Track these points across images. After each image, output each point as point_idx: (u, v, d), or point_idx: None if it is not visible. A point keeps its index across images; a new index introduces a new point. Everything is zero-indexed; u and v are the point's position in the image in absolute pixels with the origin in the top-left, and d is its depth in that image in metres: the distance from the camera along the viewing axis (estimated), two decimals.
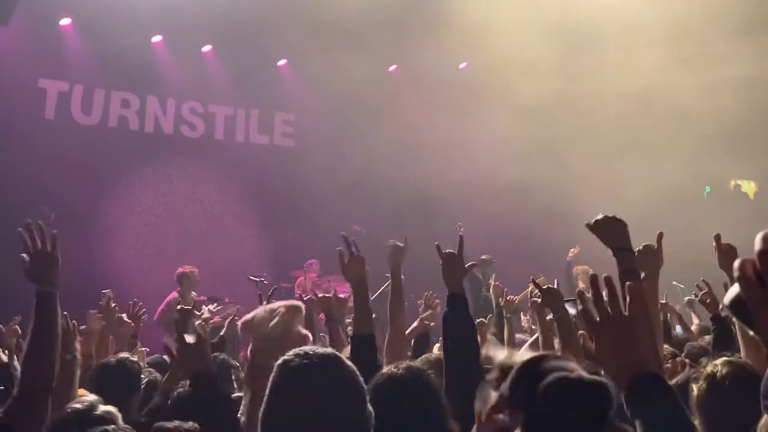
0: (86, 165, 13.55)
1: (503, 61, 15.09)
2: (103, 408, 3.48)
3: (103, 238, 13.69)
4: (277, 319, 3.82)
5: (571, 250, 13.86)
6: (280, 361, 2.48)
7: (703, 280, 6.05)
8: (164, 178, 14.84)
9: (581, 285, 12.79)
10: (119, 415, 3.48)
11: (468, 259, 4.44)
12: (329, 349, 2.55)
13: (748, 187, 18.37)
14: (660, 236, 4.16)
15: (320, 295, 6.09)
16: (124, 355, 5.34)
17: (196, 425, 3.51)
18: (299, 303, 4.03)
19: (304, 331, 3.89)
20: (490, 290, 12.90)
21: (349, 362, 2.50)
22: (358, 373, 2.48)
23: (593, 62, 14.69)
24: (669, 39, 14.62)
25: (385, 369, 3.39)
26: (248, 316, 3.99)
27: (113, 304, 6.24)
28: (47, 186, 12.77)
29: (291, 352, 2.49)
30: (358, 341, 4.24)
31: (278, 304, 3.97)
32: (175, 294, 11.82)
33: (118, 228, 14.00)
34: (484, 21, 14.32)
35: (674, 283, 12.10)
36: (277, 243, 13.90)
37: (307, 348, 2.52)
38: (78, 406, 3.48)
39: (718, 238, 4.58)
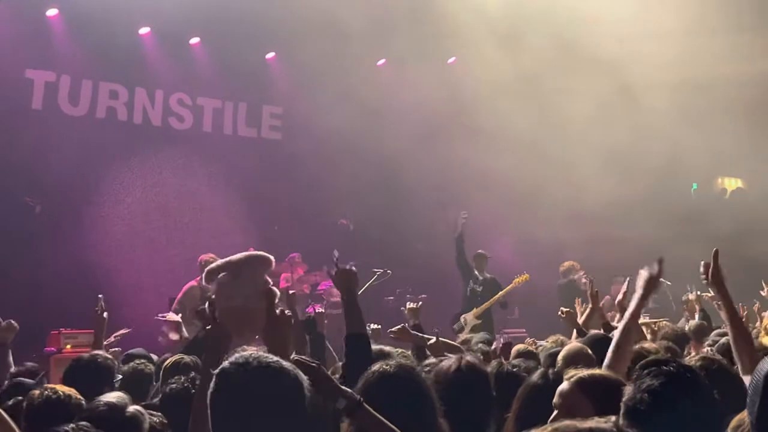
0: (74, 156, 13.45)
1: (492, 55, 15.10)
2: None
3: (92, 230, 13.63)
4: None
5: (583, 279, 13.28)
6: (218, 370, 2.48)
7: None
8: (153, 170, 14.76)
9: (584, 280, 12.68)
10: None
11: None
12: (270, 356, 2.53)
13: (736, 184, 18.50)
14: (660, 262, 4.32)
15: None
16: (97, 352, 5.75)
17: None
18: (268, 255, 4.14)
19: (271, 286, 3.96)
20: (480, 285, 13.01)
21: (290, 369, 2.50)
22: (301, 381, 2.49)
23: (585, 53, 14.66)
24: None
25: (376, 366, 3.42)
26: (212, 265, 4.13)
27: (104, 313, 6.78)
28: (34, 177, 12.72)
29: (229, 361, 2.49)
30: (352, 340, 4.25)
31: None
32: (193, 283, 11.50)
33: (107, 219, 13.94)
34: (473, 15, 14.32)
35: (661, 279, 12.06)
36: (263, 236, 13.86)
37: (247, 354, 2.52)
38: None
39: (716, 255, 4.39)
